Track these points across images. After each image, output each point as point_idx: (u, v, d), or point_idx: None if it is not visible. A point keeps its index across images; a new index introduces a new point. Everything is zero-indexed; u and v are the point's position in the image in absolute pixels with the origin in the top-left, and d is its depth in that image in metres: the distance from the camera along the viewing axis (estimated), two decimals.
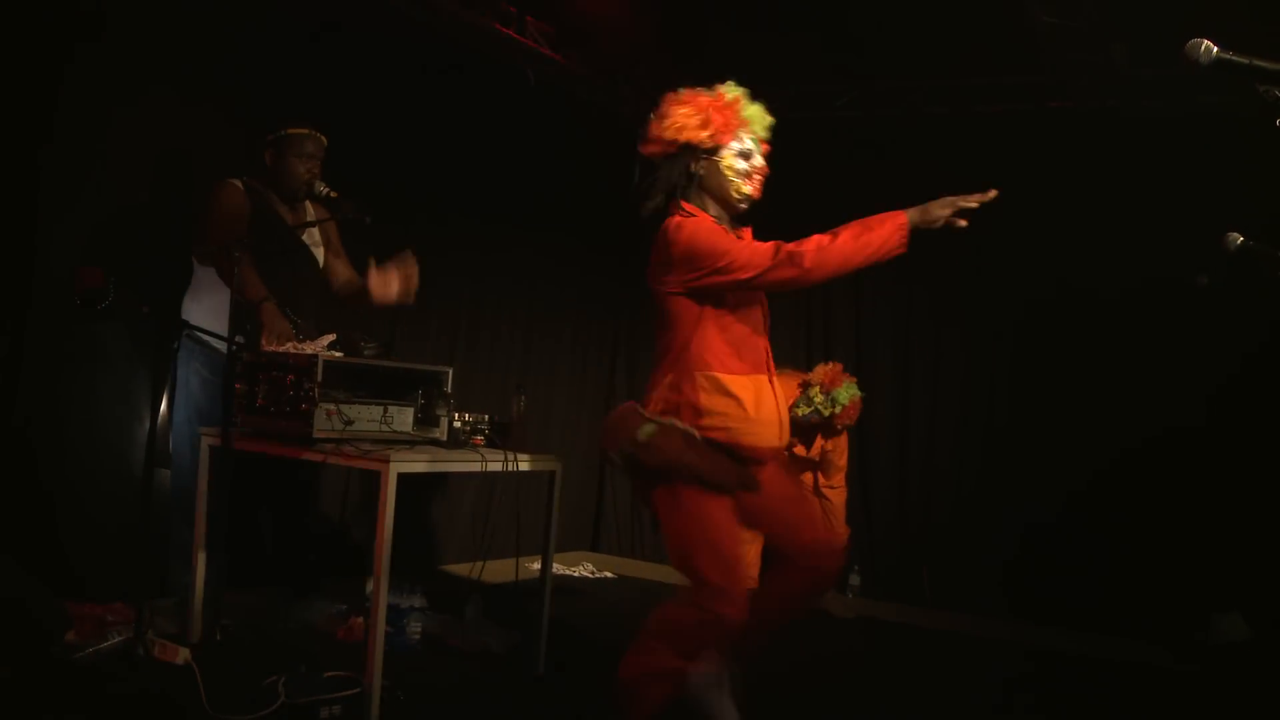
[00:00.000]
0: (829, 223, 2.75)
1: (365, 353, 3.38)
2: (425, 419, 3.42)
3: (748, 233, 2.85)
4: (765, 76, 2.84)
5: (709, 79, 2.83)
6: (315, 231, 3.93)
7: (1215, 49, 1.56)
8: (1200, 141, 4.91)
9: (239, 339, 3.37)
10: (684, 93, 2.77)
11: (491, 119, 5.42)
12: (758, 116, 2.79)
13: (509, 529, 5.49)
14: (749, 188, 2.77)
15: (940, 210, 2.58)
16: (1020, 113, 5.44)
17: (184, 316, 3.67)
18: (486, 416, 3.58)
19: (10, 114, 3.55)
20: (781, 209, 3.11)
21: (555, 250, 6.03)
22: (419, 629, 3.74)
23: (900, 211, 2.59)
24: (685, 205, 2.74)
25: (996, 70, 5.37)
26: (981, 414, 5.59)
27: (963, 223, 2.60)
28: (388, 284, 3.74)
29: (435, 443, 3.37)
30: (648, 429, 2.64)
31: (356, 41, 4.60)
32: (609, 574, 5.72)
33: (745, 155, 2.76)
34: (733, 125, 2.74)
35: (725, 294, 2.70)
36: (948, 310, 5.70)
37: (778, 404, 2.75)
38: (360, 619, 3.68)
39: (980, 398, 5.60)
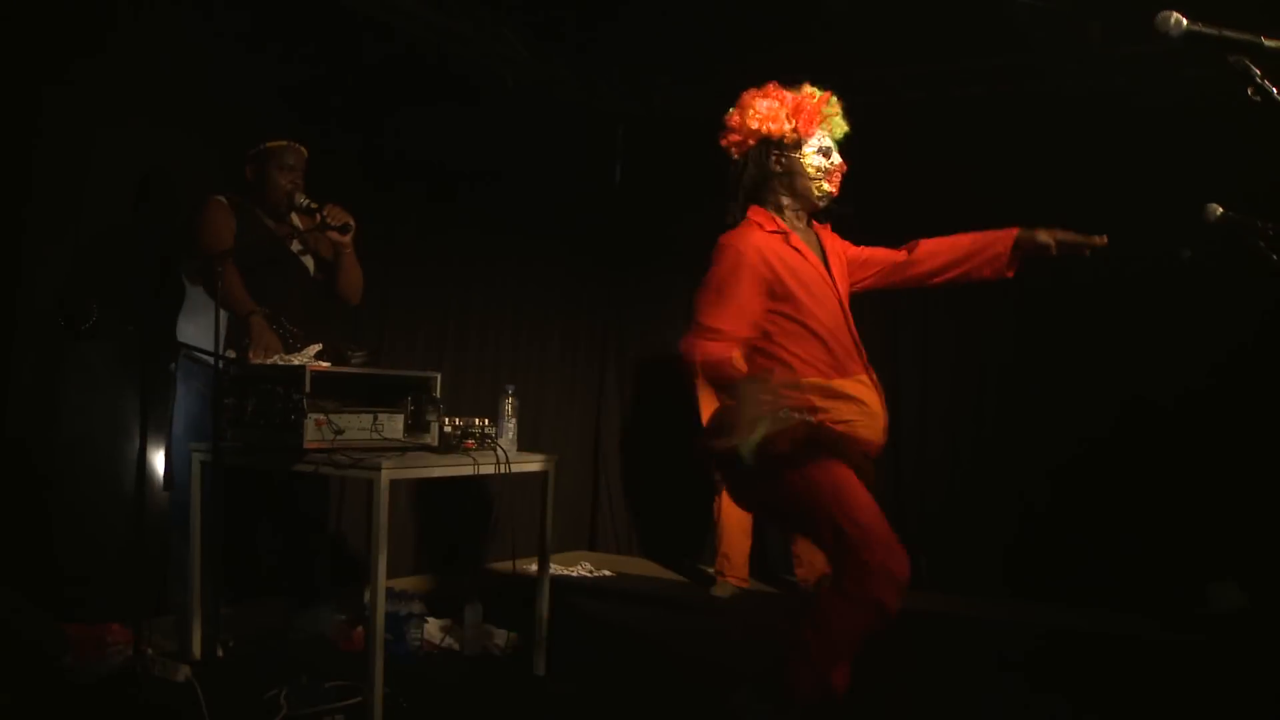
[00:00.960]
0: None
1: (353, 361, 3.38)
2: (416, 425, 3.41)
3: (827, 230, 2.86)
4: (742, 69, 2.84)
5: (692, 76, 2.83)
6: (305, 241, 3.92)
7: (1184, 21, 1.57)
8: (1179, 117, 4.92)
9: (230, 353, 3.37)
10: (768, 87, 2.78)
11: (472, 124, 5.40)
12: (837, 118, 2.82)
13: (505, 531, 5.51)
14: (829, 185, 2.79)
15: (752, 411, 2.46)
16: (997, 95, 5.44)
17: (179, 335, 3.67)
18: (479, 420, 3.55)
19: None
20: None
21: (541, 252, 6.02)
22: (419, 635, 3.74)
23: (740, 401, 2.50)
24: (753, 213, 2.74)
25: (972, 53, 5.36)
26: (972, 394, 5.59)
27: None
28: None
29: (426, 448, 3.37)
30: (766, 424, 2.56)
31: (332, 51, 4.58)
32: (607, 572, 5.72)
33: (825, 153, 2.78)
34: (816, 121, 2.76)
35: (799, 297, 2.67)
36: (934, 294, 5.69)
37: (879, 399, 2.73)
38: (361, 628, 3.68)
39: (970, 378, 5.60)
